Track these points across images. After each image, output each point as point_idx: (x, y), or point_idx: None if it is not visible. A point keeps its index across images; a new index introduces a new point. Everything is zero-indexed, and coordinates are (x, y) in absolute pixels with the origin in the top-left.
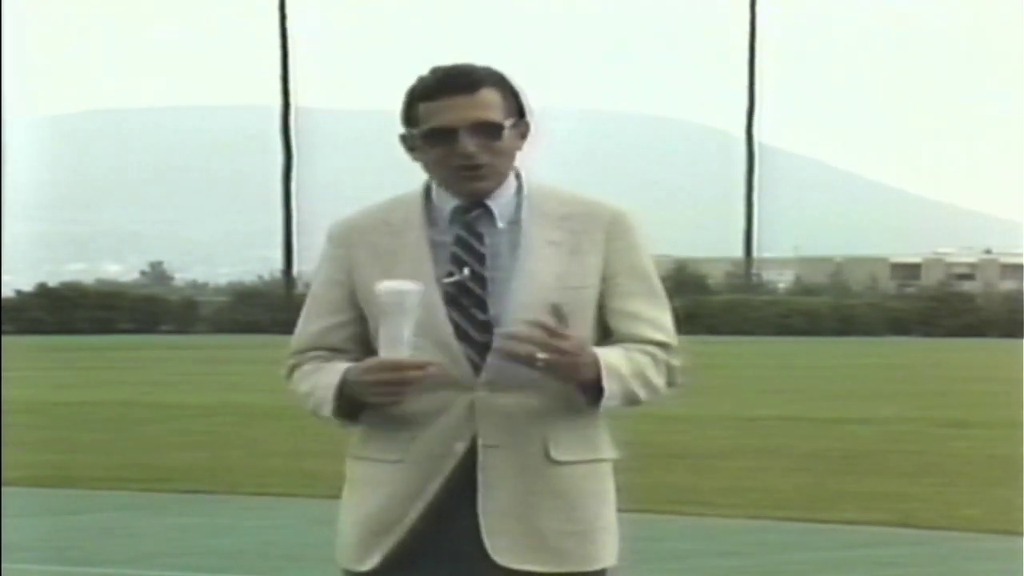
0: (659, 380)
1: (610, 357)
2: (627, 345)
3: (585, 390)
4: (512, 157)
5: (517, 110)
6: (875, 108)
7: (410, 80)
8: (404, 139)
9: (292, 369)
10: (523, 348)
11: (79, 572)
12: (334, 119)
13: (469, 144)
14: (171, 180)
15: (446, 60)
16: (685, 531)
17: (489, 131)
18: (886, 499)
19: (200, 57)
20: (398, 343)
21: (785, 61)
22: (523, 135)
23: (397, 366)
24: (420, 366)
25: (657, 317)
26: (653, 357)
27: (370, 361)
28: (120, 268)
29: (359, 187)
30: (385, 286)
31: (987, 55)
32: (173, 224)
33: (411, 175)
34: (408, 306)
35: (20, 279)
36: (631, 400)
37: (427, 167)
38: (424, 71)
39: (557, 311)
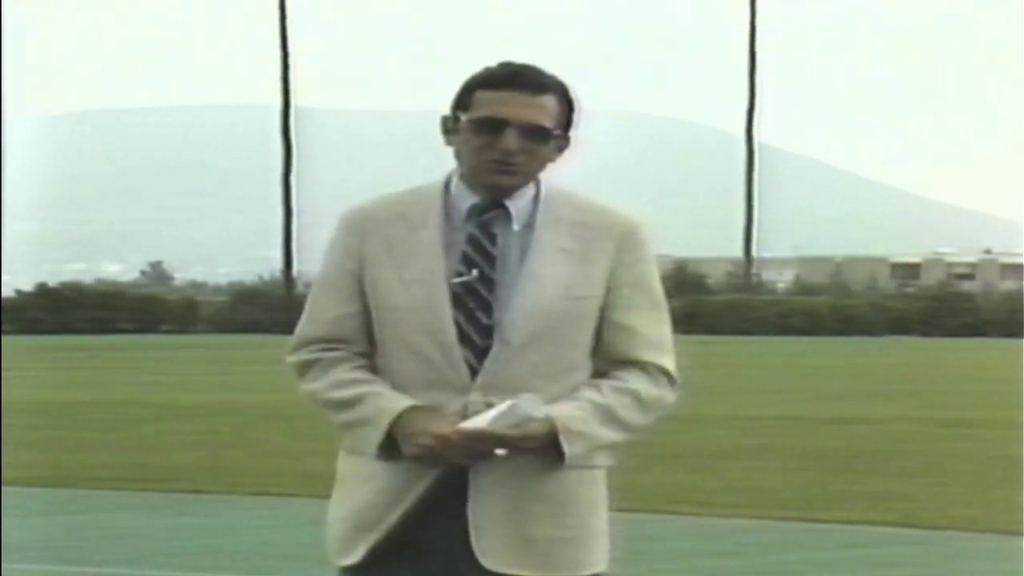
0: (638, 418)
1: (572, 419)
2: (604, 385)
3: (549, 450)
4: (543, 166)
5: (566, 124)
6: (875, 108)
7: (409, 81)
8: (444, 120)
9: (308, 365)
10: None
11: (79, 572)
12: (334, 119)
13: (513, 141)
14: (171, 180)
15: (446, 61)
16: (685, 531)
17: (537, 135)
18: (886, 499)
19: (200, 57)
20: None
21: (785, 61)
22: (561, 149)
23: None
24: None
25: (654, 332)
26: (634, 396)
27: (433, 428)
28: (120, 268)
29: (359, 187)
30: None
31: (987, 55)
32: (173, 224)
33: (411, 174)
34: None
35: (20, 279)
36: (601, 448)
37: (459, 153)
38: (422, 71)
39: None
